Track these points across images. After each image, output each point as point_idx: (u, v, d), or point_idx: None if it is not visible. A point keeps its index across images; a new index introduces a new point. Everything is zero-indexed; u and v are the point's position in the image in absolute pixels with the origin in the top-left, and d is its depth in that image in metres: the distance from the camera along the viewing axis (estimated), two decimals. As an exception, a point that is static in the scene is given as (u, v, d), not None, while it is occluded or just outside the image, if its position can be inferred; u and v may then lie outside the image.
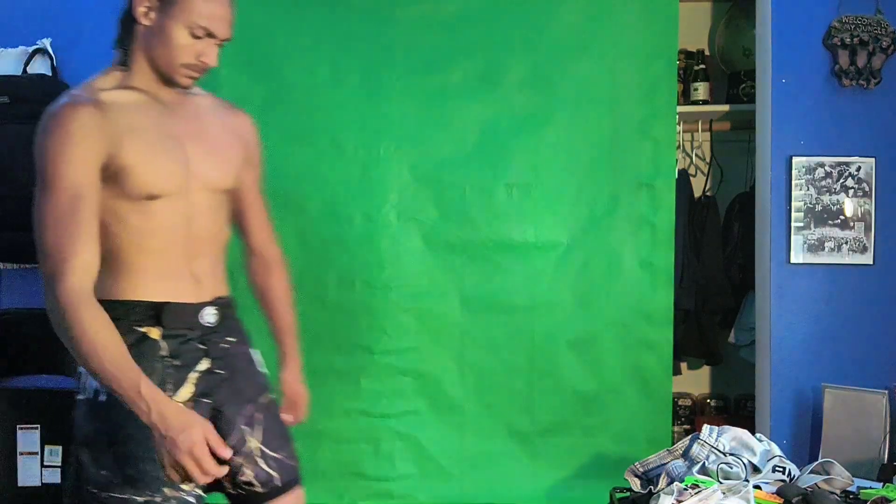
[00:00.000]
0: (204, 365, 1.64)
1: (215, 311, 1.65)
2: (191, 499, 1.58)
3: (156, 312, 1.59)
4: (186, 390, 1.60)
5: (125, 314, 1.58)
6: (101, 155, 1.53)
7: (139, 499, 1.54)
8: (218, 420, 1.63)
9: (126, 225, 1.58)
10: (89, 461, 1.59)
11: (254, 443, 1.69)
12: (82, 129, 1.52)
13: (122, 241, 1.58)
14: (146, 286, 1.60)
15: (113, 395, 1.52)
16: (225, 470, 1.50)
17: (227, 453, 1.47)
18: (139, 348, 1.56)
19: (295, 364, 1.86)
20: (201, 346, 1.64)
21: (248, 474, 1.68)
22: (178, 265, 1.62)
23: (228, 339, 1.69)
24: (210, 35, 1.57)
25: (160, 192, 1.57)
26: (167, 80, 1.62)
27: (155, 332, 1.59)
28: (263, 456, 1.70)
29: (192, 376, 1.62)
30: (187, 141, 1.63)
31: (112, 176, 1.54)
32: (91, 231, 1.52)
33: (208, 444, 1.45)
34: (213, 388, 1.64)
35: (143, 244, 1.59)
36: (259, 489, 1.70)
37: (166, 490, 1.54)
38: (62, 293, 1.47)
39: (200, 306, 1.64)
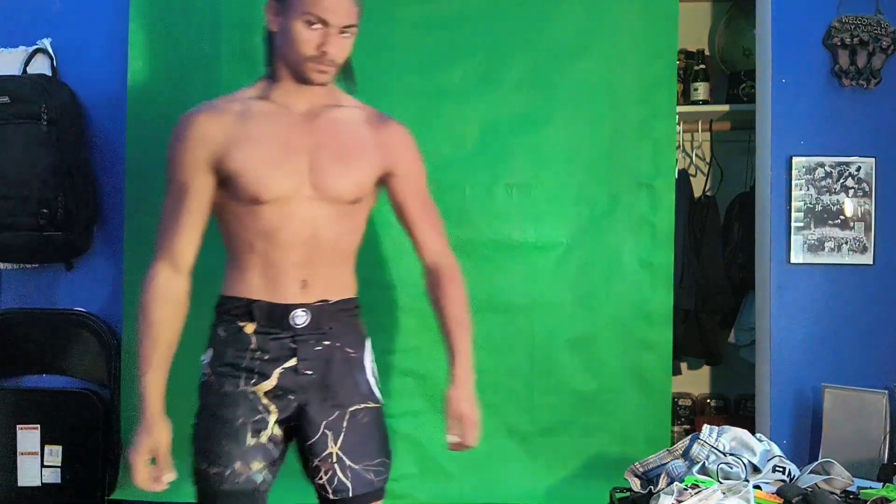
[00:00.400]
0: (291, 363, 1.70)
1: (305, 314, 1.70)
2: (257, 478, 1.68)
3: (250, 309, 1.71)
4: (269, 383, 1.70)
5: (228, 308, 1.74)
6: (208, 159, 1.68)
7: (212, 470, 1.68)
8: (302, 418, 1.73)
9: (239, 225, 1.71)
10: (193, 434, 1.74)
11: (333, 449, 1.73)
12: (192, 136, 1.69)
13: (236, 240, 1.73)
14: (250, 284, 1.72)
15: (208, 377, 1.74)
16: (159, 487, 1.66)
17: (166, 476, 1.65)
18: (235, 339, 1.72)
19: (464, 384, 1.78)
20: (292, 346, 1.70)
21: (324, 478, 1.74)
22: (284, 268, 1.70)
23: (325, 342, 1.73)
24: (324, 23, 1.60)
25: (266, 198, 1.66)
26: (304, 81, 1.68)
27: (249, 327, 1.71)
28: (340, 463, 1.73)
29: (277, 372, 1.70)
30: (312, 151, 1.69)
31: (225, 179, 1.68)
32: (190, 224, 1.71)
33: (159, 456, 1.65)
34: (300, 387, 1.71)
35: (252, 244, 1.70)
36: (331, 496, 1.75)
37: (236, 466, 1.67)
38: (149, 273, 1.72)
39: (291, 308, 1.69)
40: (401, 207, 1.83)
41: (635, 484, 1.91)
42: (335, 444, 1.72)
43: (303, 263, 1.70)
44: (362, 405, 1.76)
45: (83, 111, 2.53)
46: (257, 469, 1.68)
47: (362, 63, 2.43)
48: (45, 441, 2.51)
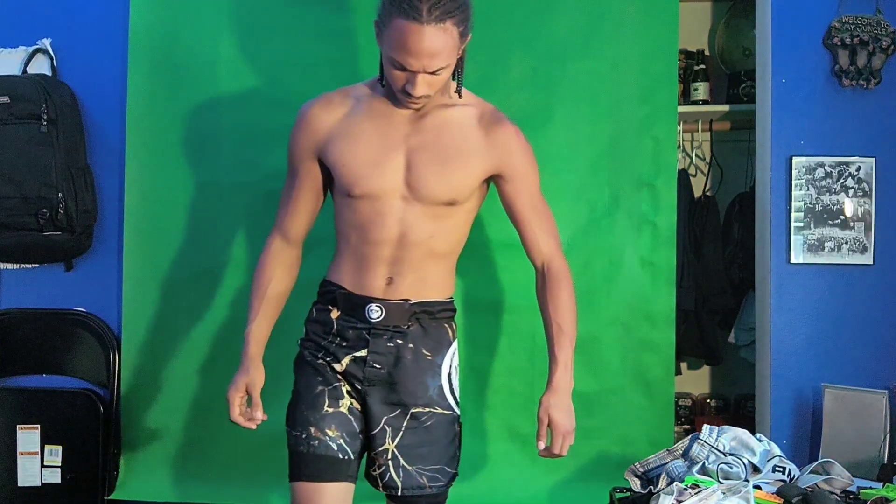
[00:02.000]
0: (362, 353, 1.77)
1: (379, 309, 1.75)
2: (333, 445, 1.75)
3: (336, 296, 1.80)
4: (339, 366, 1.79)
5: (323, 291, 1.84)
6: (313, 148, 1.78)
7: (293, 433, 1.79)
8: (365, 409, 1.79)
9: (339, 215, 1.81)
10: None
11: (390, 445, 1.77)
12: (304, 125, 1.79)
13: (338, 228, 1.82)
14: (342, 272, 1.80)
15: (300, 351, 1.85)
16: (252, 425, 1.79)
17: (257, 414, 1.79)
18: (322, 321, 1.82)
19: (560, 391, 1.78)
20: (366, 337, 1.77)
21: (377, 471, 1.79)
22: (371, 262, 1.76)
23: (399, 340, 1.77)
24: (402, 68, 1.60)
25: (358, 192, 1.72)
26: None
27: (334, 313, 1.80)
28: (394, 461, 1.76)
29: (347, 359, 1.78)
30: (412, 151, 1.72)
31: (329, 169, 1.77)
32: (296, 205, 1.83)
33: (248, 395, 1.79)
34: (365, 378, 1.77)
35: (349, 236, 1.79)
36: (381, 489, 1.80)
37: (312, 430, 1.75)
38: (266, 240, 1.88)
39: (369, 300, 1.76)
40: (511, 209, 1.84)
41: (635, 484, 1.91)
42: (392, 442, 1.76)
43: (390, 261, 1.75)
44: (427, 409, 1.78)
45: (83, 111, 2.52)
46: (333, 436, 1.74)
47: (363, 63, 2.45)
48: (45, 441, 2.51)
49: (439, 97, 1.75)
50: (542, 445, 1.77)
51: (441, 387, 1.80)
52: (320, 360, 1.80)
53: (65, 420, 2.51)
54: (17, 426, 2.52)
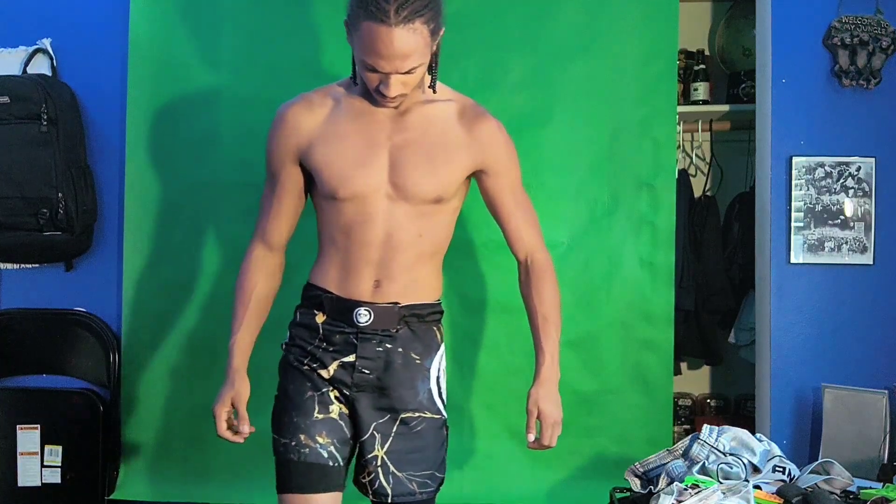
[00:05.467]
0: (350, 358, 1.74)
1: (368, 313, 1.72)
2: (324, 452, 1.71)
3: (322, 301, 1.76)
4: (326, 372, 1.75)
5: (308, 295, 1.80)
6: (294, 150, 1.74)
7: (282, 440, 1.75)
8: (354, 415, 1.76)
9: (323, 218, 1.77)
10: (272, 409, 1.82)
11: (379, 452, 1.74)
12: (284, 125, 1.74)
13: (322, 231, 1.78)
14: (328, 276, 1.76)
15: (284, 356, 1.81)
16: (239, 439, 1.75)
17: (244, 427, 1.74)
18: (307, 325, 1.78)
19: (547, 382, 1.77)
20: (354, 342, 1.73)
21: (367, 478, 1.76)
22: (358, 265, 1.72)
23: (388, 344, 1.74)
24: (374, 70, 1.57)
25: (343, 195, 1.69)
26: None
27: (320, 317, 1.76)
28: (384, 468, 1.73)
29: (335, 364, 1.74)
30: (395, 150, 1.70)
31: (311, 172, 1.74)
32: (278, 210, 1.79)
33: (234, 409, 1.74)
34: (353, 383, 1.74)
35: (334, 238, 1.75)
36: (371, 497, 1.77)
37: (302, 437, 1.72)
38: (248, 248, 1.84)
39: (356, 304, 1.72)
40: (493, 203, 1.82)
41: (635, 484, 1.91)
42: (381, 448, 1.73)
43: (378, 263, 1.72)
44: (417, 414, 1.75)
45: (83, 111, 2.52)
46: (324, 443, 1.71)
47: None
48: (45, 441, 2.51)
49: (418, 94, 1.72)
50: (531, 437, 1.75)
51: (430, 391, 1.77)
52: (306, 367, 1.76)
53: (65, 420, 2.51)
54: (17, 426, 2.52)
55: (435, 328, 1.82)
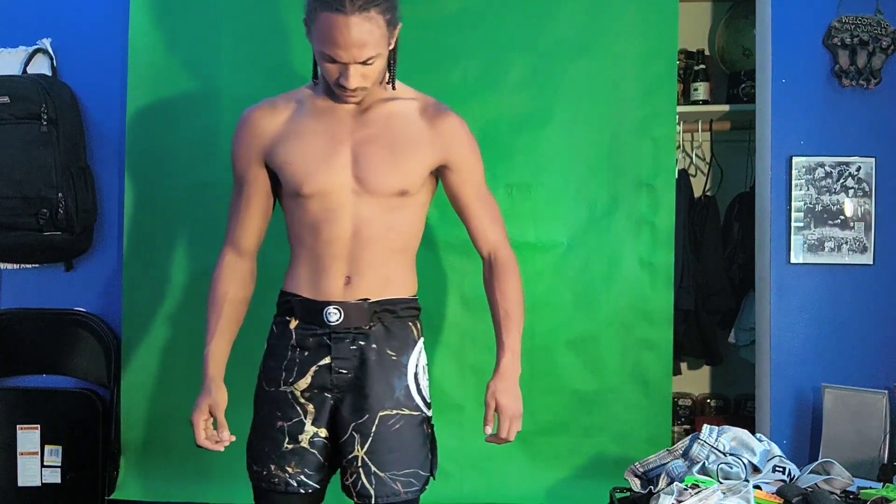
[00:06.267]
0: (325, 361, 1.72)
1: (337, 311, 1.71)
2: (293, 482, 1.72)
3: (293, 305, 1.75)
4: (304, 381, 1.73)
5: (280, 303, 1.80)
6: (259, 152, 1.75)
7: (254, 467, 1.76)
8: (335, 417, 1.74)
9: (290, 219, 1.77)
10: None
11: (359, 452, 1.72)
12: (247, 130, 1.76)
13: (290, 234, 1.78)
14: (299, 279, 1.76)
15: (260, 374, 1.80)
16: (219, 447, 1.74)
17: (223, 435, 1.73)
18: (281, 334, 1.77)
19: (506, 376, 1.74)
20: (327, 343, 1.72)
21: (350, 480, 1.74)
22: (327, 263, 1.72)
23: (361, 342, 1.72)
24: (333, 61, 1.59)
25: (308, 191, 1.69)
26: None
27: (293, 323, 1.76)
28: (365, 468, 1.71)
29: (312, 370, 1.73)
30: (358, 145, 1.70)
31: (275, 172, 1.74)
32: (247, 214, 1.79)
33: (213, 417, 1.73)
34: (334, 385, 1.72)
35: (302, 239, 1.75)
36: (355, 499, 1.75)
37: (272, 467, 1.73)
38: (219, 256, 1.82)
39: (325, 304, 1.71)
40: (456, 199, 1.81)
41: (635, 484, 1.91)
42: (361, 448, 1.71)
43: (347, 259, 1.71)
44: (395, 411, 1.72)
45: (83, 111, 2.52)
46: (293, 472, 1.71)
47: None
48: (45, 441, 2.51)
49: (380, 91, 1.73)
50: (489, 430, 1.72)
51: (408, 387, 1.75)
52: (282, 387, 1.74)
53: (65, 420, 2.52)
54: (17, 426, 2.52)
55: (411, 324, 1.79)
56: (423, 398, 1.78)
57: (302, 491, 1.72)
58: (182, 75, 2.48)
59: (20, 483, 2.50)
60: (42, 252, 2.46)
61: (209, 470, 2.46)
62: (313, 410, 1.73)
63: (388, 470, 1.70)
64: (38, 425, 2.51)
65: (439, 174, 1.80)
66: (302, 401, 1.73)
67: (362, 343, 1.72)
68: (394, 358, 1.75)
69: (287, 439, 1.72)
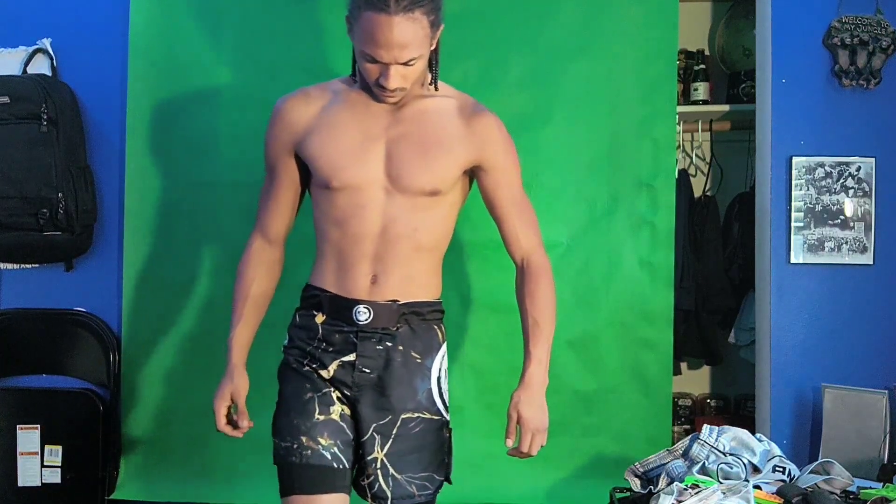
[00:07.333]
0: (350, 357, 1.71)
1: (367, 311, 1.69)
2: (327, 454, 1.68)
3: (320, 300, 1.74)
4: (325, 373, 1.72)
5: (306, 297, 1.78)
6: (290, 141, 1.73)
7: (283, 444, 1.72)
8: (355, 416, 1.73)
9: (319, 212, 1.75)
10: (273, 414, 1.78)
11: (379, 454, 1.70)
12: (280, 118, 1.75)
13: (317, 228, 1.76)
14: (325, 275, 1.74)
15: (284, 359, 1.79)
16: (238, 433, 1.75)
17: (243, 422, 1.74)
18: (306, 327, 1.75)
19: (531, 387, 1.69)
20: (354, 341, 1.70)
21: (367, 480, 1.72)
22: (354, 260, 1.71)
23: (388, 343, 1.71)
24: (374, 61, 1.57)
25: (337, 184, 1.67)
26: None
27: (319, 318, 1.74)
28: (384, 470, 1.70)
29: (335, 364, 1.71)
30: (392, 141, 1.69)
31: (306, 164, 1.73)
32: (276, 203, 1.80)
33: (234, 404, 1.74)
34: (355, 383, 1.71)
35: (329, 234, 1.73)
36: (370, 500, 1.73)
37: (303, 439, 1.69)
38: (248, 242, 1.83)
39: (355, 303, 1.70)
40: (491, 202, 1.79)
41: (635, 484, 1.91)
42: (381, 450, 1.70)
43: (374, 257, 1.70)
44: (416, 414, 1.72)
45: (83, 111, 2.52)
46: (326, 444, 1.68)
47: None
48: (45, 441, 2.51)
49: (418, 89, 1.72)
50: (510, 443, 1.68)
51: (430, 390, 1.74)
52: (306, 368, 1.74)
53: (65, 420, 2.51)
54: (17, 426, 2.52)
55: (436, 327, 1.79)
56: (444, 402, 1.77)
57: (336, 465, 1.68)
58: (182, 75, 2.48)
59: (20, 483, 2.50)
60: (42, 252, 2.46)
61: (209, 470, 2.47)
62: (339, 394, 1.73)
63: (406, 472, 1.70)
64: (38, 425, 2.51)
65: (474, 175, 1.78)
66: (328, 382, 1.73)
67: (389, 344, 1.71)
68: (418, 360, 1.74)
69: (318, 409, 1.70)
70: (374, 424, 1.71)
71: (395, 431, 1.70)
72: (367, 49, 1.56)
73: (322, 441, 1.68)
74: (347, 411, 1.73)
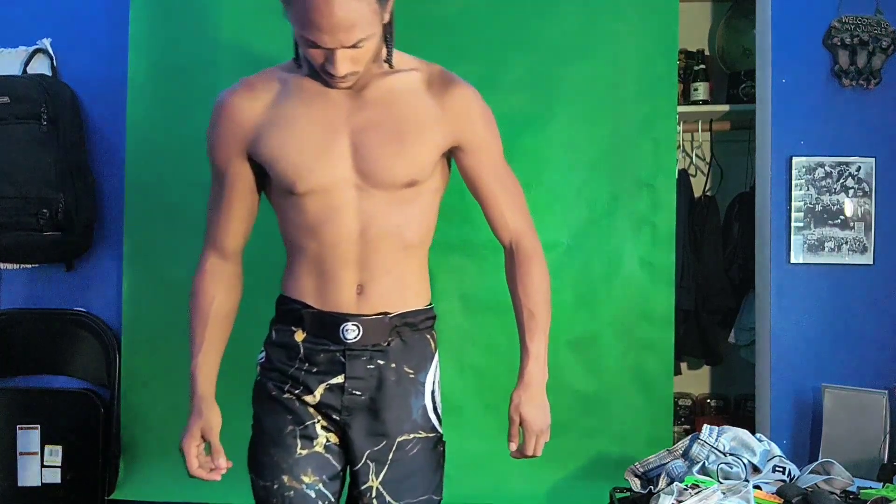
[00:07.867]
0: (338, 380, 1.54)
1: (356, 328, 1.52)
2: (311, 493, 1.53)
3: (301, 315, 1.55)
4: (312, 398, 1.55)
5: (283, 310, 1.59)
6: (240, 142, 1.53)
7: (260, 483, 1.57)
8: (345, 442, 1.57)
9: (285, 220, 1.56)
10: (249, 441, 1.62)
11: (374, 483, 1.55)
12: (226, 116, 1.53)
13: (286, 236, 1.58)
14: (303, 287, 1.55)
15: (259, 379, 1.60)
16: (215, 476, 1.57)
17: (220, 462, 1.56)
18: (285, 344, 1.57)
19: (531, 386, 1.57)
20: (342, 360, 1.53)
21: None
22: (335, 270, 1.52)
23: (380, 360, 1.54)
24: (316, 46, 1.37)
25: (303, 188, 1.48)
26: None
27: (299, 335, 1.56)
28: (380, 499, 1.55)
29: (321, 388, 1.54)
30: (357, 132, 1.49)
31: (262, 166, 1.53)
32: (230, 213, 1.58)
33: (206, 442, 1.57)
34: (344, 407, 1.55)
35: (301, 243, 1.54)
36: None
37: (284, 479, 1.54)
38: (199, 260, 1.64)
39: (342, 319, 1.52)
40: (473, 183, 1.60)
41: (635, 484, 1.91)
42: (376, 478, 1.55)
43: (357, 264, 1.52)
44: (412, 435, 1.57)
45: (83, 111, 2.53)
46: (310, 482, 1.53)
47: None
48: (45, 441, 2.51)
49: (376, 67, 1.50)
50: (513, 447, 1.58)
51: (425, 407, 1.59)
52: (286, 395, 1.55)
53: (65, 420, 2.52)
54: (17, 426, 2.52)
55: (428, 336, 1.63)
56: (438, 416, 1.63)
57: (321, 503, 1.54)
58: (182, 75, 2.48)
59: (20, 483, 2.50)
60: (42, 252, 2.46)
61: (209, 470, 2.46)
62: (324, 423, 1.57)
63: (403, 499, 1.56)
64: (38, 425, 2.51)
65: (452, 155, 1.60)
66: (311, 411, 1.56)
67: (381, 362, 1.55)
68: (412, 376, 1.58)
69: (300, 444, 1.54)
70: (368, 451, 1.55)
71: (390, 457, 1.55)
72: (307, 34, 1.35)
73: (305, 479, 1.53)
74: (334, 440, 1.58)
